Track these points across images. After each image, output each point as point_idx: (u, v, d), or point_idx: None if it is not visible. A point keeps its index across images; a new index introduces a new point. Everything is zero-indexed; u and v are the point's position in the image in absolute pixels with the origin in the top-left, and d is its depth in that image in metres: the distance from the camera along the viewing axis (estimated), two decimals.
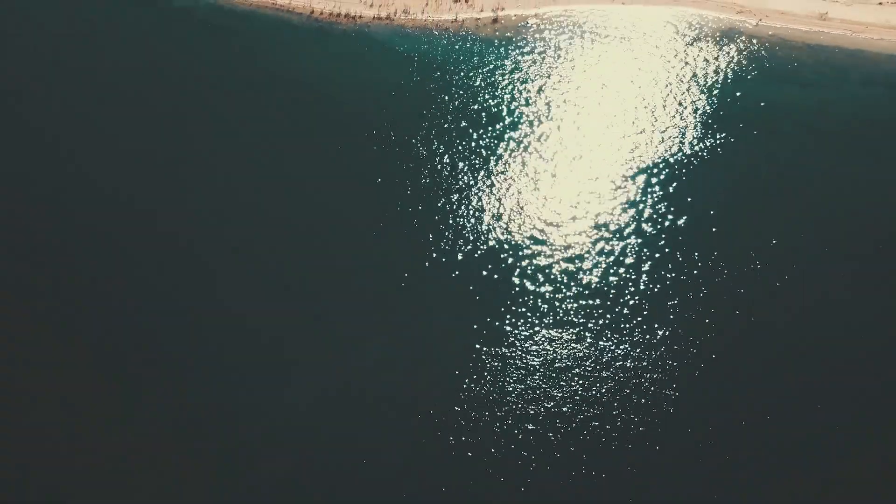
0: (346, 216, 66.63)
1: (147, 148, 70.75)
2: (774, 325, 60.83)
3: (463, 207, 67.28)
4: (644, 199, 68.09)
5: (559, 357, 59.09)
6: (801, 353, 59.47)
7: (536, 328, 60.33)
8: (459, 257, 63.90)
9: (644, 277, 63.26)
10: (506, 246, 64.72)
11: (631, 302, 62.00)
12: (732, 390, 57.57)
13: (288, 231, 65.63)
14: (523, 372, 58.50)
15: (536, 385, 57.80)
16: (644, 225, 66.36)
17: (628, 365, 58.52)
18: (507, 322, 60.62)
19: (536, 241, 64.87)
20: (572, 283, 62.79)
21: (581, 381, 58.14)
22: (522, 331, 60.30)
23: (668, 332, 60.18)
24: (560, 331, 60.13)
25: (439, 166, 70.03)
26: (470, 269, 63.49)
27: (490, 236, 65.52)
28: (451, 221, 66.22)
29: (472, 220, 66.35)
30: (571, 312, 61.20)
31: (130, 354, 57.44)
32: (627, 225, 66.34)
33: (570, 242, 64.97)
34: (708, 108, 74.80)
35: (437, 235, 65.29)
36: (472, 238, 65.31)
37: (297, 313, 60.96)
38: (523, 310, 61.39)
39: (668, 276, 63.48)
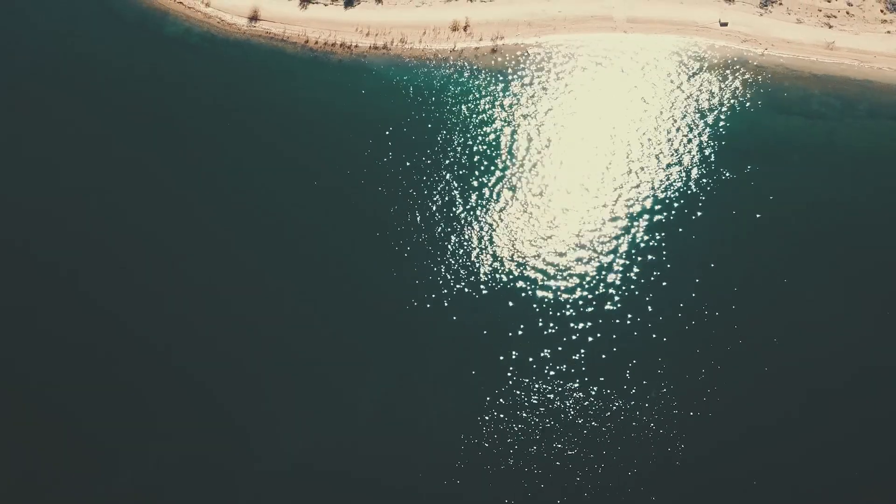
0: (340, 252, 64.64)
1: (133, 177, 68.83)
2: (784, 368, 58.76)
3: (460, 247, 65.28)
4: (647, 234, 66.02)
5: (562, 410, 57.02)
6: (816, 396, 57.57)
7: (536, 378, 58.24)
8: (457, 298, 61.84)
9: (649, 321, 61.17)
10: (505, 286, 62.63)
11: (634, 347, 59.91)
12: (742, 454, 55.67)
13: (280, 270, 63.64)
14: (523, 426, 56.42)
15: (538, 441, 55.70)
16: (647, 262, 64.28)
17: (632, 420, 56.50)
18: (508, 372, 58.57)
19: (536, 282, 62.80)
20: (573, 327, 60.71)
21: (585, 436, 56.07)
22: (523, 380, 58.23)
23: (676, 386, 58.11)
24: (562, 381, 58.06)
25: (436, 204, 68.05)
26: (467, 313, 61.41)
27: (489, 276, 63.47)
28: (449, 261, 64.19)
29: (470, 260, 64.28)
30: (573, 359, 59.12)
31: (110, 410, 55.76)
32: (630, 263, 64.29)
33: (571, 284, 62.89)
34: (712, 139, 72.74)
35: (433, 276, 63.25)
36: (470, 279, 63.27)
37: (285, 362, 58.99)
38: (523, 358, 59.29)
39: (673, 319, 61.37)
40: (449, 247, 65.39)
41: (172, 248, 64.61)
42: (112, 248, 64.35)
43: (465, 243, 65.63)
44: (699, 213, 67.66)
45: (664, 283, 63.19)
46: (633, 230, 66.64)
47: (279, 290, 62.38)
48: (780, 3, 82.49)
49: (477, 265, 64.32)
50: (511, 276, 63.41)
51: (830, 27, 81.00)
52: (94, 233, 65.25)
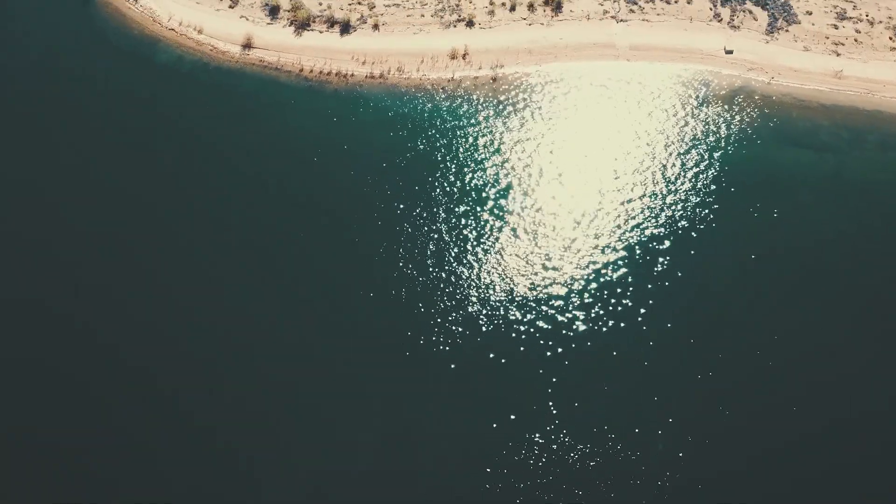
0: (336, 287, 62.57)
1: (122, 206, 66.82)
2: (792, 405, 56.65)
3: (459, 284, 63.18)
4: (648, 269, 63.92)
5: (566, 461, 54.87)
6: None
7: (538, 428, 56.09)
8: (457, 343, 59.69)
9: (653, 359, 59.05)
10: (504, 329, 60.51)
11: (635, 394, 57.78)
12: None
13: (274, 306, 61.59)
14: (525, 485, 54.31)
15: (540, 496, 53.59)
16: (649, 298, 62.15)
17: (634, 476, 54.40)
18: (507, 424, 56.44)
19: (537, 322, 60.64)
20: (576, 369, 58.58)
21: (589, 481, 53.95)
22: (526, 433, 56.09)
23: (681, 430, 55.95)
24: (564, 428, 55.92)
25: (434, 239, 66.01)
26: (468, 359, 59.26)
27: (490, 317, 61.34)
28: (446, 301, 62.07)
29: (469, 297, 62.16)
30: (575, 404, 56.99)
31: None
32: (633, 299, 62.17)
33: (574, 325, 60.77)
34: (717, 171, 70.70)
35: (431, 318, 61.12)
36: (469, 321, 61.15)
37: (280, 410, 56.94)
38: (525, 406, 57.15)
39: (675, 354, 59.24)
40: (448, 280, 63.32)
41: (164, 281, 62.55)
42: (102, 282, 62.29)
43: (464, 276, 63.54)
44: (703, 249, 65.58)
45: (668, 325, 61.06)
46: (634, 265, 64.51)
47: (275, 328, 60.31)
48: (787, 30, 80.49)
49: (475, 300, 62.21)
50: (508, 313, 61.30)
51: (838, 55, 78.99)
52: (82, 266, 63.21)
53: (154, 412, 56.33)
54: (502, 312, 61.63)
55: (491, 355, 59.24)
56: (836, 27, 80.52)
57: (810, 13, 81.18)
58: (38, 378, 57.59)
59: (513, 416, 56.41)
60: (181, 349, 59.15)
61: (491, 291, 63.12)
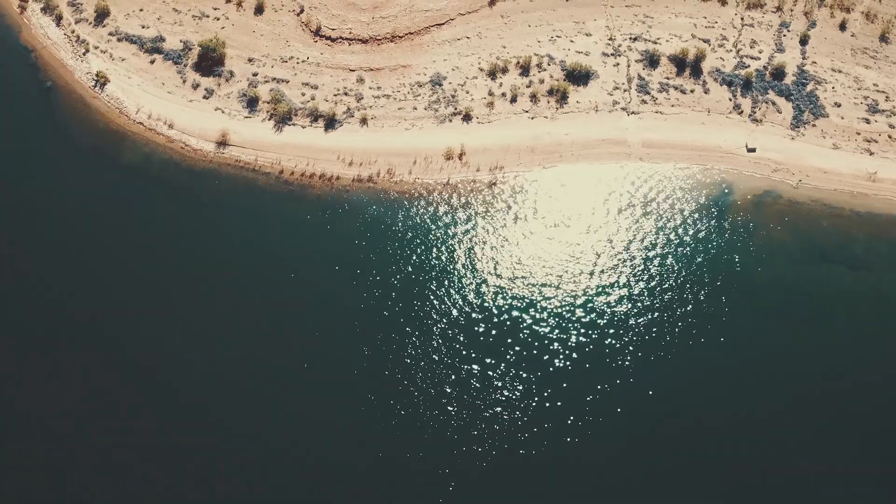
0: (317, 415, 55.96)
1: (89, 330, 60.00)
2: None
3: (453, 417, 56.22)
4: (673, 412, 56.95)
5: None
6: None
7: None
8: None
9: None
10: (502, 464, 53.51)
11: None
12: None
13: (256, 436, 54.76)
14: None
15: None
16: (678, 446, 55.16)
17: None
18: None
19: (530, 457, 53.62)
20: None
21: None
22: None
23: None
24: None
25: (423, 371, 59.01)
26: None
27: (484, 459, 54.34)
28: (432, 422, 55.06)
29: (461, 433, 55.13)
30: None
31: None
32: (634, 435, 55.16)
33: (565, 453, 53.80)
34: (738, 292, 63.76)
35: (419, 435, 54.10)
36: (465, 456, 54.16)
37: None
38: None
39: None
40: (433, 407, 56.35)
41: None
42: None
43: (458, 419, 56.48)
44: (718, 383, 58.97)
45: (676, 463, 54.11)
46: (649, 408, 57.53)
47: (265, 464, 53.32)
48: (814, 125, 73.48)
49: (463, 427, 55.17)
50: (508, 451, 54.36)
51: (871, 153, 71.99)
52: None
53: None
54: (494, 438, 54.62)
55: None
56: (867, 121, 73.53)
57: (839, 105, 74.26)
58: None
59: None
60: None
61: (489, 440, 56.11)
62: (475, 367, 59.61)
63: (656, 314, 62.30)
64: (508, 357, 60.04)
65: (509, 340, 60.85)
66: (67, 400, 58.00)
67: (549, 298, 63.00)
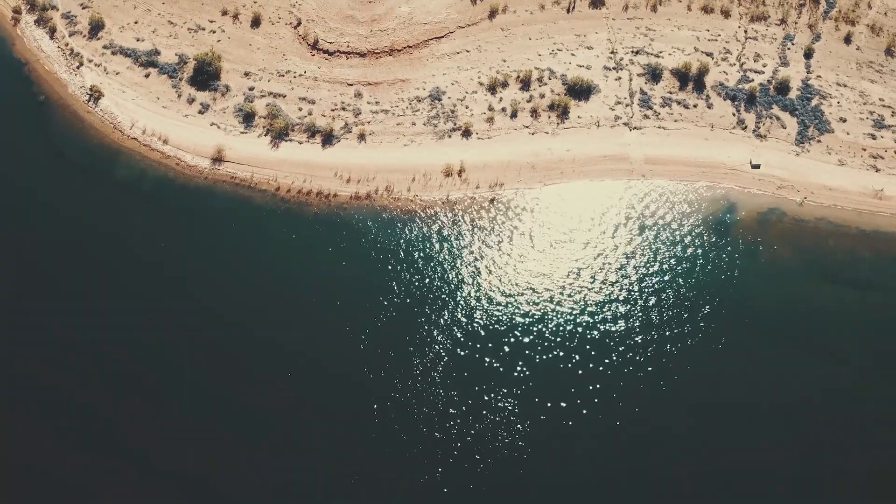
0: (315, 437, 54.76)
1: (63, 346, 58.75)
2: None
3: (451, 440, 55.00)
4: (676, 435, 55.72)
5: None
6: None
7: None
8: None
9: None
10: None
11: None
12: None
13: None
14: None
15: None
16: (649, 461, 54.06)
17: None
18: None
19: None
20: None
21: None
22: None
23: None
24: None
25: (422, 394, 57.84)
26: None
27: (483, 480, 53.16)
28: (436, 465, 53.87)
29: (460, 455, 53.93)
30: None
31: None
32: (633, 460, 54.09)
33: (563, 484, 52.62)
34: (740, 313, 62.53)
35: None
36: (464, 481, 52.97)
37: None
38: None
39: None
40: (431, 429, 55.19)
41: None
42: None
43: (456, 440, 55.30)
44: (719, 405, 57.76)
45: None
46: (650, 430, 56.35)
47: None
48: (819, 140, 72.32)
49: (463, 445, 53.96)
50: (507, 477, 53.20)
51: (877, 170, 70.83)
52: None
53: None
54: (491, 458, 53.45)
55: None
56: (873, 137, 72.38)
57: (844, 120, 73.07)
58: None
59: None
60: None
61: (477, 438, 54.90)
62: (474, 385, 58.42)
63: (656, 333, 61.11)
64: (507, 375, 58.84)
65: (508, 358, 59.67)
66: (60, 423, 57.02)
67: (548, 315, 61.84)
